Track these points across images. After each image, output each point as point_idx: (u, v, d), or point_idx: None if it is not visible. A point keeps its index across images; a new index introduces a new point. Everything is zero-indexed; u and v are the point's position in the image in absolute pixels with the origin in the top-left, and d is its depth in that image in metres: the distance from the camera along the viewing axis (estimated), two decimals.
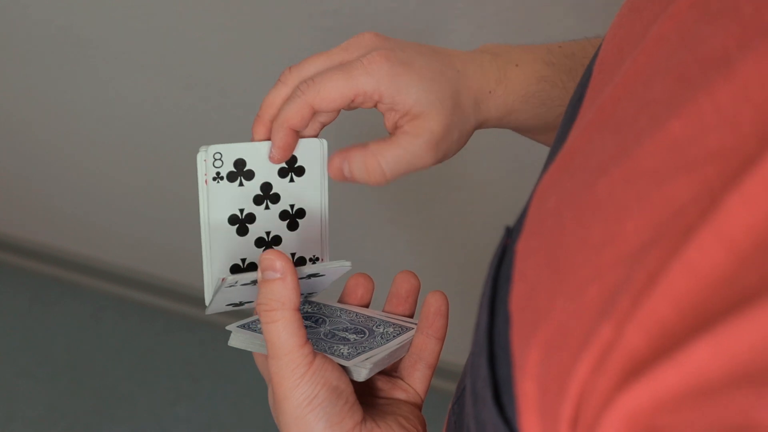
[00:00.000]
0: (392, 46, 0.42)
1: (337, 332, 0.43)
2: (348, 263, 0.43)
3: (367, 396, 0.42)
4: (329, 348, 0.41)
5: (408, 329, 0.44)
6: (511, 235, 0.27)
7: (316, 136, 0.45)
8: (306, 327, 0.40)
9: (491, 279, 0.26)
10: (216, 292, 0.42)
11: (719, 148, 0.18)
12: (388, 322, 0.45)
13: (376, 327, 0.44)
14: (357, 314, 0.46)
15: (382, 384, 0.43)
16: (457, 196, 1.07)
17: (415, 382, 0.43)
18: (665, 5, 0.24)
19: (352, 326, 0.44)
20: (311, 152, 0.45)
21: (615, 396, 0.18)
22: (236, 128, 1.07)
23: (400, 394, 0.43)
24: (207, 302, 0.44)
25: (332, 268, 0.43)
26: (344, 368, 0.39)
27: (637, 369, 0.18)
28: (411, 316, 0.46)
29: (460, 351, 1.41)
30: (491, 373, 0.24)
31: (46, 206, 1.43)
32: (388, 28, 0.86)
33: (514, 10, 0.80)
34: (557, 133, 0.30)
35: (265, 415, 1.39)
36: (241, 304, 0.45)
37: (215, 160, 0.43)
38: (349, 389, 0.38)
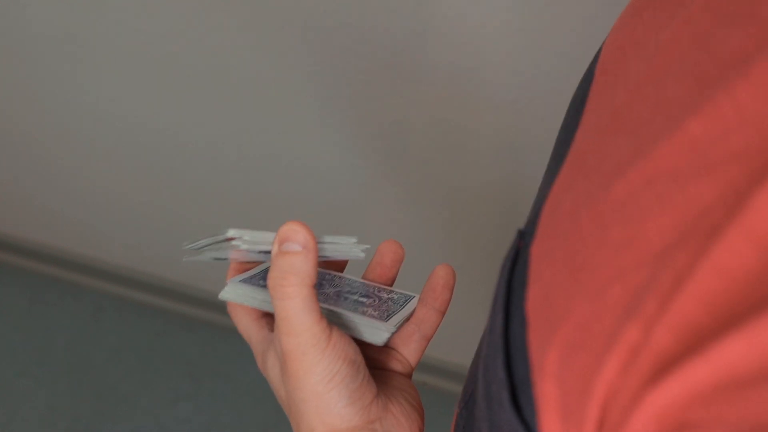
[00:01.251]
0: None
1: (345, 294, 0.41)
2: (363, 254, 0.42)
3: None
4: (354, 308, 0.39)
5: (410, 298, 0.43)
6: (523, 237, 0.27)
7: None
8: None
9: (505, 282, 0.26)
10: (215, 247, 0.38)
11: (743, 149, 0.18)
12: (389, 289, 0.44)
13: (380, 293, 0.43)
14: (352, 280, 0.44)
15: (375, 354, 0.42)
16: (457, 196, 1.07)
17: (409, 353, 0.42)
18: (673, 11, 0.24)
19: (357, 291, 0.42)
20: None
21: (644, 393, 0.18)
22: (236, 129, 1.07)
23: (395, 365, 0.42)
24: (194, 246, 0.40)
25: (346, 251, 0.40)
26: (353, 333, 0.38)
27: (667, 366, 0.18)
28: (390, 286, 0.45)
29: (459, 351, 1.41)
30: (508, 376, 0.24)
31: (46, 206, 1.43)
32: (388, 29, 0.86)
33: (514, 11, 0.80)
34: (558, 137, 0.30)
35: (265, 415, 1.39)
36: (226, 260, 0.41)
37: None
38: (363, 362, 0.37)
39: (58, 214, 1.44)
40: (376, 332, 0.38)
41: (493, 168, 1.00)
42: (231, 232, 0.37)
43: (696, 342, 0.17)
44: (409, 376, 0.42)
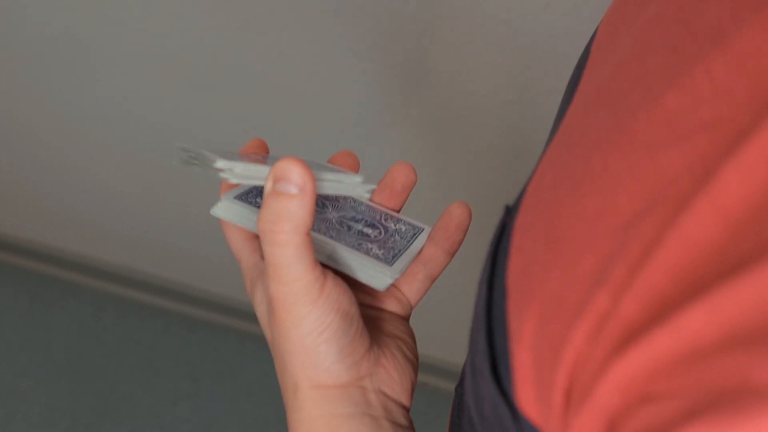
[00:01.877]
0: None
1: (348, 222, 0.37)
2: (368, 194, 0.36)
3: None
4: (357, 243, 0.35)
5: (420, 230, 0.39)
6: (510, 213, 0.27)
7: None
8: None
9: (490, 256, 0.26)
10: (205, 169, 0.34)
11: (713, 119, 0.19)
12: (397, 218, 0.39)
13: (387, 222, 0.38)
14: (358, 202, 0.39)
15: (372, 290, 0.38)
16: (458, 196, 1.07)
17: (411, 291, 0.38)
18: None
19: (362, 217, 0.38)
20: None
21: (609, 363, 0.18)
22: (236, 128, 1.07)
23: (392, 305, 0.38)
24: (184, 158, 0.35)
25: (350, 190, 0.35)
26: (352, 273, 0.34)
27: (632, 336, 0.18)
28: (398, 212, 0.41)
29: (459, 351, 1.41)
30: (489, 347, 0.24)
31: (46, 206, 1.43)
32: (388, 28, 0.86)
33: (514, 11, 0.80)
34: (556, 114, 0.30)
35: (265, 415, 1.39)
36: None
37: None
38: (358, 313, 0.33)
39: (58, 214, 1.44)
40: (377, 276, 0.34)
41: (494, 168, 1.00)
42: (220, 163, 0.32)
43: (661, 312, 0.17)
44: (407, 317, 0.39)
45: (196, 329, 1.49)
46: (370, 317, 0.38)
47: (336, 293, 0.32)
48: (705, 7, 0.21)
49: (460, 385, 0.33)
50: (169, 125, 1.15)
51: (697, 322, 0.16)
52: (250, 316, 1.50)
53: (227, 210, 0.36)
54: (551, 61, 0.83)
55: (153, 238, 1.40)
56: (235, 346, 1.48)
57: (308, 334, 0.32)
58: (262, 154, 0.38)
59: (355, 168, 0.40)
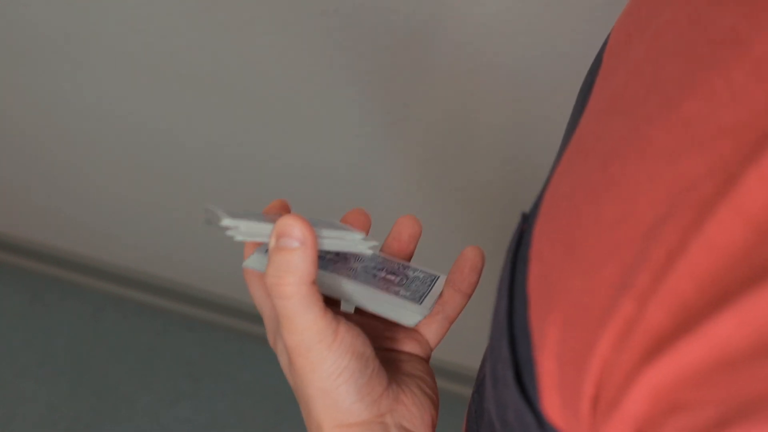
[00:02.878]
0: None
1: (371, 270, 0.39)
2: (370, 251, 0.38)
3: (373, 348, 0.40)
4: (385, 286, 0.36)
5: (436, 277, 0.41)
6: (527, 220, 0.27)
7: None
8: (333, 261, 0.36)
9: (509, 264, 0.26)
10: (216, 227, 0.36)
11: (733, 124, 0.18)
12: (413, 267, 0.41)
13: (405, 270, 0.40)
14: (375, 255, 0.41)
15: (393, 333, 0.40)
16: (458, 196, 1.07)
17: (431, 333, 0.40)
18: None
19: (382, 266, 0.40)
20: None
21: (638, 372, 0.18)
22: (236, 129, 1.07)
23: (412, 347, 0.40)
24: (205, 219, 0.37)
25: (351, 246, 0.37)
26: (384, 313, 0.36)
27: (661, 345, 0.18)
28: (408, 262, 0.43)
29: (460, 351, 1.41)
30: (512, 355, 0.24)
31: (46, 206, 1.43)
32: (388, 28, 0.86)
33: (514, 11, 0.80)
34: (568, 122, 0.30)
35: (265, 415, 1.39)
36: None
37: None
38: (373, 353, 0.35)
39: (59, 214, 1.44)
40: (408, 314, 0.36)
41: (494, 168, 1.00)
42: (225, 222, 0.34)
43: (688, 319, 0.17)
44: (427, 358, 0.41)
45: (196, 329, 1.49)
46: (391, 359, 0.39)
47: (350, 337, 0.34)
48: (720, 12, 0.21)
49: (477, 392, 0.33)
50: (168, 126, 1.15)
51: (726, 330, 0.16)
52: (250, 316, 1.50)
53: (259, 262, 0.38)
54: (551, 60, 0.83)
55: (153, 238, 1.40)
56: (235, 346, 1.48)
57: (326, 378, 0.33)
58: (282, 214, 0.40)
59: (366, 226, 0.42)
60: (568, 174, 0.25)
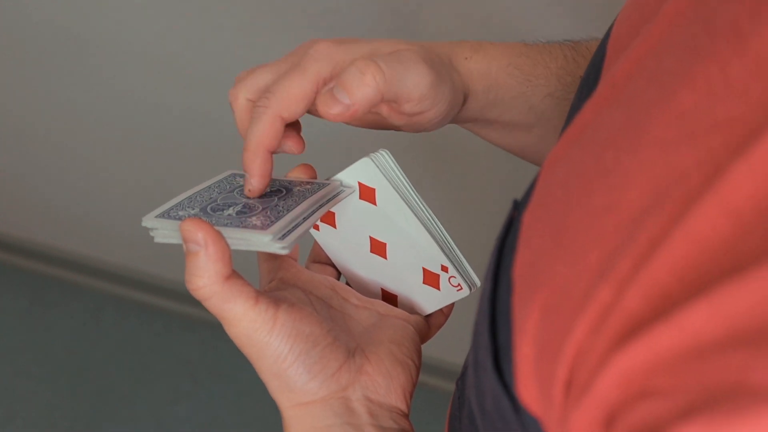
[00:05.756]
0: (336, 39, 0.39)
1: (226, 208, 0.38)
2: (285, 250, 0.34)
3: (350, 316, 0.39)
4: (241, 222, 0.35)
5: (324, 185, 0.39)
6: (518, 207, 0.27)
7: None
8: (214, 213, 0.35)
9: (496, 249, 0.26)
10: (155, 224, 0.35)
11: (726, 118, 0.19)
12: (306, 181, 0.40)
13: (292, 185, 0.39)
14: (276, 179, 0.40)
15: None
16: (458, 196, 1.07)
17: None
18: None
19: (241, 201, 0.38)
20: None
21: (610, 357, 0.18)
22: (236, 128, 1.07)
23: (398, 311, 0.40)
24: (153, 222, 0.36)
25: (261, 246, 0.34)
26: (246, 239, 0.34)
27: (634, 331, 0.18)
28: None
29: (459, 351, 1.40)
30: (492, 340, 0.24)
31: (46, 206, 1.43)
32: (389, 28, 0.86)
33: (514, 11, 0.80)
34: (569, 111, 0.30)
35: (265, 415, 1.39)
36: None
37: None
38: (323, 329, 0.35)
39: (58, 214, 1.44)
40: (261, 242, 0.34)
41: (494, 168, 1.00)
42: (145, 222, 0.35)
43: (664, 307, 0.17)
44: (415, 323, 0.40)
45: (196, 329, 1.49)
46: (368, 325, 0.39)
47: (291, 320, 0.34)
48: (723, 5, 0.21)
49: (461, 380, 0.33)
50: (169, 125, 1.15)
51: (699, 319, 0.16)
52: None
53: (164, 234, 0.36)
54: None
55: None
56: (235, 346, 1.48)
57: (273, 363, 0.34)
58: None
59: (312, 176, 0.41)
60: (562, 161, 0.25)
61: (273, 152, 0.38)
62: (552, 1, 0.78)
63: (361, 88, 0.35)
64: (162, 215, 0.36)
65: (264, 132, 0.37)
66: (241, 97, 0.40)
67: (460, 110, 0.41)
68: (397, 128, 0.42)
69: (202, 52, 1.00)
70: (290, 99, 0.37)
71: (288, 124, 0.38)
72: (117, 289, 1.53)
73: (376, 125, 0.43)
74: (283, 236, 0.34)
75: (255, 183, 0.38)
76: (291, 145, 0.41)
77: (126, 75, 1.09)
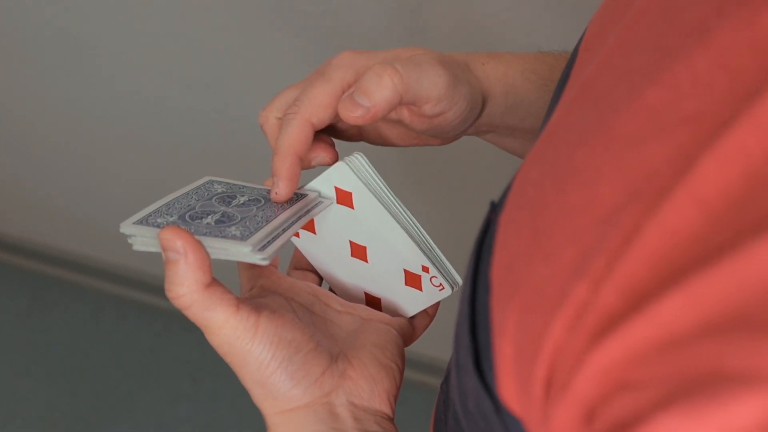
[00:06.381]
0: (358, 50, 0.40)
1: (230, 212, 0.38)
2: (265, 261, 0.34)
3: (333, 319, 0.39)
4: (220, 232, 0.35)
5: (302, 196, 0.39)
6: (495, 209, 0.27)
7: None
8: (193, 221, 0.35)
9: (474, 251, 0.27)
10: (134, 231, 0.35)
11: (694, 113, 0.19)
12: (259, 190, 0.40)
13: (269, 195, 0.39)
14: (254, 188, 0.40)
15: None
16: (457, 196, 1.07)
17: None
18: None
19: (249, 199, 0.39)
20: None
21: (588, 353, 0.18)
22: (236, 128, 1.07)
23: (381, 315, 0.40)
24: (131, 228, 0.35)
25: (241, 255, 0.34)
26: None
27: (610, 326, 0.18)
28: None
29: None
30: (472, 341, 0.24)
31: (46, 206, 1.43)
32: (389, 28, 0.86)
33: (515, 10, 0.80)
34: (545, 114, 0.31)
35: None
36: None
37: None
38: (305, 335, 0.35)
39: (59, 214, 1.44)
40: (242, 253, 0.34)
41: (493, 168, 1.00)
42: (123, 229, 0.35)
43: (639, 301, 0.17)
44: (398, 327, 0.40)
45: (196, 329, 1.48)
46: (351, 330, 0.39)
47: (273, 327, 0.34)
48: (689, 2, 0.21)
49: (445, 382, 0.33)
50: (169, 125, 1.15)
51: (673, 310, 0.17)
52: None
53: (142, 242, 0.36)
54: None
55: None
56: None
57: (256, 370, 0.34)
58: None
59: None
60: (536, 162, 0.25)
61: (301, 157, 0.38)
62: (552, 1, 0.78)
63: (380, 90, 0.35)
64: (140, 222, 0.35)
65: (293, 135, 0.38)
66: (272, 117, 0.40)
67: (480, 116, 0.41)
68: (424, 141, 0.43)
69: (202, 53, 1.00)
70: (318, 105, 0.38)
71: (318, 136, 0.39)
72: (117, 289, 1.53)
73: (401, 139, 0.44)
74: (263, 247, 0.34)
75: (282, 187, 0.38)
76: (324, 156, 0.41)
77: (126, 75, 1.09)
